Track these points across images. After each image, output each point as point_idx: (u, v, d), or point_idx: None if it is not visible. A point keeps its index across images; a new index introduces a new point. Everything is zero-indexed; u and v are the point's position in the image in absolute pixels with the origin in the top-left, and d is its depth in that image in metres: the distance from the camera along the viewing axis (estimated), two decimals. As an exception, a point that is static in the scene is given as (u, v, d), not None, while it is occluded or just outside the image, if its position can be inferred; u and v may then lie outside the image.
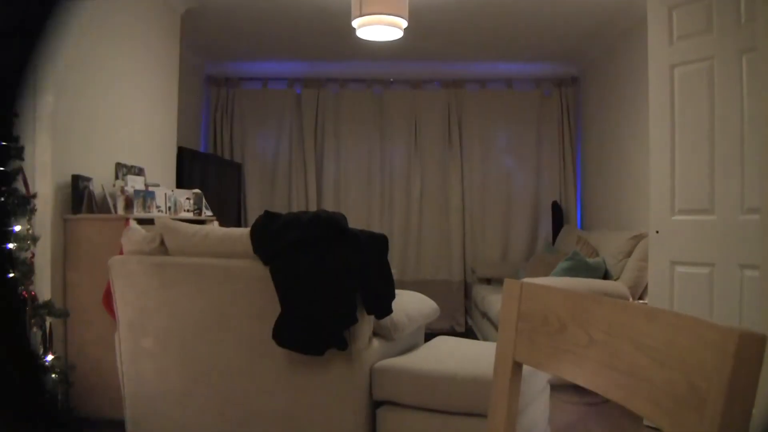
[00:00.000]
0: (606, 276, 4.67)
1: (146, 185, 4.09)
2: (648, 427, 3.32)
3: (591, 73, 6.53)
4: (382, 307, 2.60)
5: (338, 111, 7.02)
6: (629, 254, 4.51)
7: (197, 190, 4.59)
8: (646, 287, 4.06)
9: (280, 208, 6.74)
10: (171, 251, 2.82)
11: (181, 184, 5.09)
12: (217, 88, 7.03)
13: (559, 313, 1.01)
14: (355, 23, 3.99)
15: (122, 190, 3.78)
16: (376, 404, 2.64)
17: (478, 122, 6.97)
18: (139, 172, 4.20)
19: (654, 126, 3.58)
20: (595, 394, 3.88)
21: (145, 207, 3.89)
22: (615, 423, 3.48)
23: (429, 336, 3.39)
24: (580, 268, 4.60)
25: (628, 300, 3.96)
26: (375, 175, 6.96)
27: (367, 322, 2.57)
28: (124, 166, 4.04)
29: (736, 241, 3.12)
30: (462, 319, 6.73)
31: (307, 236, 2.54)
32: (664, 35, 3.48)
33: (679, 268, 3.41)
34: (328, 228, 2.56)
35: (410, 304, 3.04)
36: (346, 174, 7.00)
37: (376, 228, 6.75)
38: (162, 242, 2.84)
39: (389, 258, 2.70)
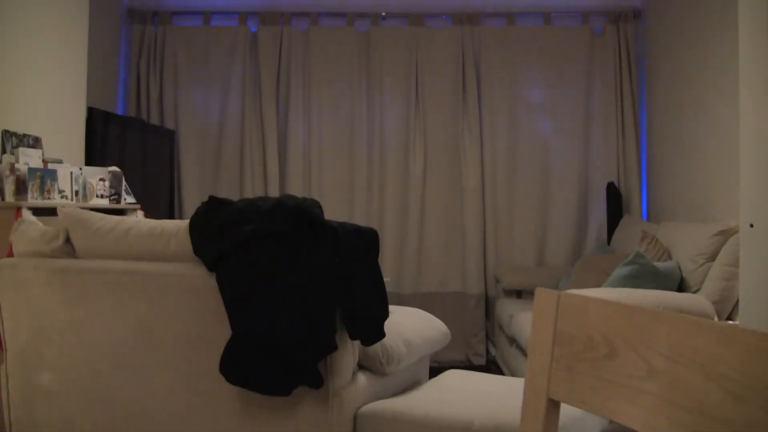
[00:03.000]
0: (682, 286, 4.68)
1: (44, 161, 4.08)
2: None
3: (660, 3, 6.54)
4: (370, 329, 2.63)
5: (308, 56, 7.00)
6: (714, 256, 4.50)
7: (115, 168, 4.58)
8: (737, 303, 4.07)
9: (229, 192, 6.75)
10: (80, 252, 2.82)
11: (92, 159, 5.08)
12: (141, 26, 6.97)
13: (607, 334, 1.05)
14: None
15: (11, 168, 3.77)
16: (362, 462, 2.68)
17: (503, 72, 6.93)
18: (35, 143, 4.18)
19: (747, 77, 3.56)
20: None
21: (42, 191, 3.88)
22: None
23: (436, 370, 3.43)
24: (645, 275, 4.59)
25: (713, 319, 4.00)
26: (360, 147, 6.92)
27: (350, 351, 2.60)
28: (14, 135, 4.02)
29: None
30: (482, 347, 6.73)
31: (268, 231, 2.56)
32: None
33: (785, 275, 3.41)
34: (295, 219, 2.58)
35: (410, 327, 3.07)
36: (319, 145, 6.98)
37: (361, 219, 6.75)
38: (67, 240, 2.84)
39: (381, 262, 2.73)
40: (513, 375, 5.42)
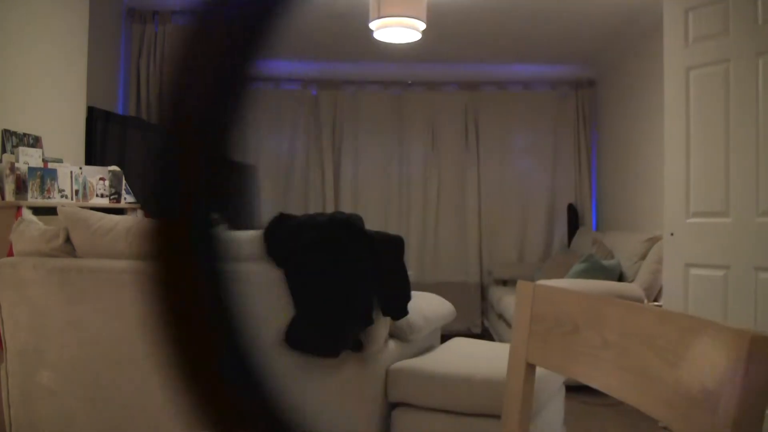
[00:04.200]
0: (621, 278, 6.04)
1: (45, 161, 4.13)
2: (664, 428, 4.00)
3: (608, 75, 8.49)
4: (398, 308, 3.19)
5: (357, 113, 8.87)
6: (644, 256, 5.85)
7: (115, 168, 4.64)
8: (660, 290, 5.20)
9: (296, 209, 8.06)
10: (80, 252, 2.89)
11: (92, 158, 5.10)
12: (142, 25, 6.95)
13: (572, 315, 1.35)
14: (372, 25, 5.12)
15: (11, 168, 3.80)
16: (391, 406, 3.15)
17: (495, 124, 9.00)
18: (35, 142, 4.22)
19: (669, 128, 4.54)
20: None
21: (42, 191, 3.94)
22: (632, 423, 4.45)
23: (445, 337, 4.09)
24: (595, 269, 5.97)
25: (643, 302, 5.16)
26: (393, 177, 8.98)
27: (383, 324, 3.03)
28: (14, 134, 4.06)
29: (751, 243, 4.07)
30: (478, 321, 8.70)
31: (323, 237, 2.98)
32: (680, 37, 4.47)
33: (694, 271, 4.41)
34: (344, 229, 3.02)
35: (427, 306, 3.64)
36: (365, 176, 8.92)
37: (393, 229, 7.22)
38: (67, 239, 2.90)
39: (406, 260, 3.22)
40: (501, 341, 6.91)
